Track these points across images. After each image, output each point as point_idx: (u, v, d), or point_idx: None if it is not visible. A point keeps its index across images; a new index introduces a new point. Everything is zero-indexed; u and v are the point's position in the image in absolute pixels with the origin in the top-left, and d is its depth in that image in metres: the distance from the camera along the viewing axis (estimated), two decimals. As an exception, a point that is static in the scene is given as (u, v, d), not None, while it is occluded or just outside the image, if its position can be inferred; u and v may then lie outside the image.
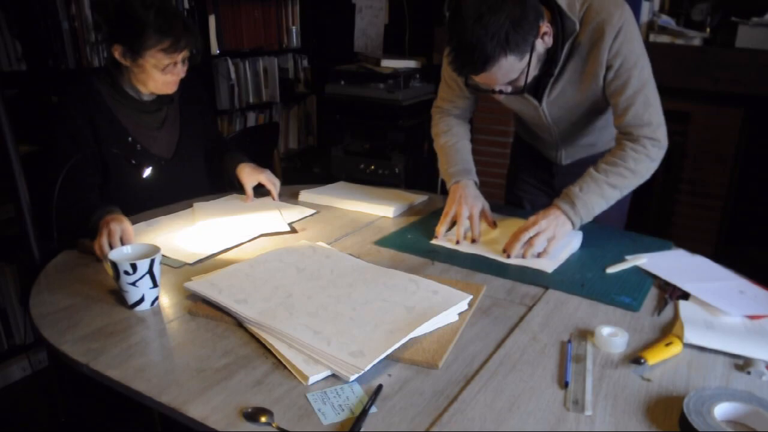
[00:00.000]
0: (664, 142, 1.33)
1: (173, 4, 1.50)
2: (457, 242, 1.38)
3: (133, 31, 1.40)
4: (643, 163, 1.31)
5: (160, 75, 1.47)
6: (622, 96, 1.30)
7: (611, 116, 1.40)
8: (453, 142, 1.55)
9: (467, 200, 1.41)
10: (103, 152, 1.51)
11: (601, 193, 1.30)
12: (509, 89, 1.27)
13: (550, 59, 1.32)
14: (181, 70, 1.50)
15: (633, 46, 1.27)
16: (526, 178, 1.75)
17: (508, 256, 1.29)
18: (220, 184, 1.75)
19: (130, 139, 1.55)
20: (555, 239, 1.28)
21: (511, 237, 1.30)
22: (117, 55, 1.45)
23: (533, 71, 1.25)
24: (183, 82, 1.57)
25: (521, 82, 1.24)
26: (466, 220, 1.39)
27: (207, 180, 1.76)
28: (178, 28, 1.43)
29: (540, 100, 1.41)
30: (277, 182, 1.65)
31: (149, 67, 1.45)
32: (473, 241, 1.38)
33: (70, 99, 1.50)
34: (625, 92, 1.29)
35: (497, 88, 1.26)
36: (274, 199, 1.63)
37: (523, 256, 1.28)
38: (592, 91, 1.35)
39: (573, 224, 1.30)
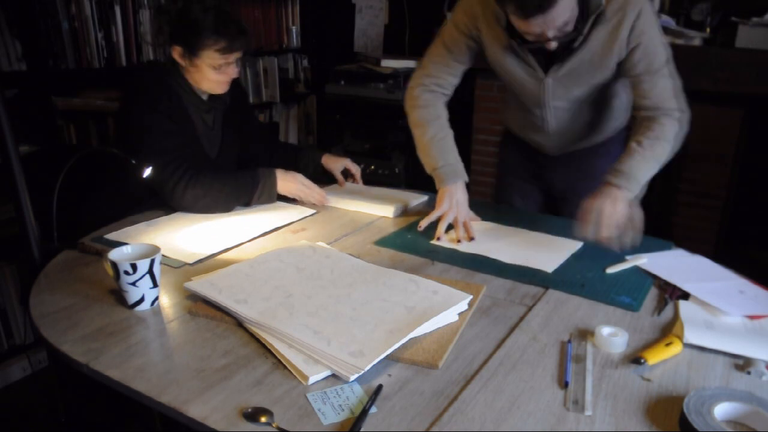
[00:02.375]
0: (688, 112, 1.37)
1: (229, 9, 1.54)
2: (458, 241, 1.38)
3: (192, 32, 1.47)
4: (678, 134, 1.36)
5: (214, 74, 1.53)
6: (649, 74, 1.33)
7: (604, 114, 1.44)
8: (443, 135, 1.52)
9: (463, 206, 1.45)
10: (99, 152, 1.52)
11: (648, 167, 1.33)
12: (560, 34, 1.27)
13: (571, 33, 1.32)
14: (233, 71, 1.56)
15: (653, 25, 1.32)
16: (515, 171, 1.75)
17: (593, 238, 1.28)
18: None
19: (197, 136, 1.61)
20: (617, 214, 1.26)
21: (581, 222, 1.29)
22: (176, 55, 1.52)
23: (575, 16, 1.27)
24: (229, 91, 1.62)
25: (570, 26, 1.27)
26: (461, 224, 1.42)
27: None
28: (234, 31, 1.50)
29: (547, 73, 1.42)
30: (358, 168, 1.83)
31: (204, 66, 1.52)
32: (472, 239, 1.39)
33: (153, 94, 1.52)
34: (651, 70, 1.33)
35: (551, 34, 1.26)
36: (357, 182, 1.82)
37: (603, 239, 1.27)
38: (603, 73, 1.38)
39: (628, 197, 1.29)
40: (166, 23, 1.53)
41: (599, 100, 1.50)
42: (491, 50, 1.46)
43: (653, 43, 1.32)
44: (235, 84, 1.66)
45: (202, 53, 1.49)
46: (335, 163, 1.81)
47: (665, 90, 1.34)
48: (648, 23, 1.31)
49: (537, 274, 1.23)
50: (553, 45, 1.29)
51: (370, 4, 3.56)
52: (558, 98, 1.47)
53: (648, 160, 1.32)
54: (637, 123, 1.39)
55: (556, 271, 1.24)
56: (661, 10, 2.68)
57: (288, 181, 1.59)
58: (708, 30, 2.55)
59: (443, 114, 1.55)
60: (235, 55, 1.53)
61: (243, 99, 1.82)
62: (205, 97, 1.62)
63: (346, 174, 1.83)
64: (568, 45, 1.34)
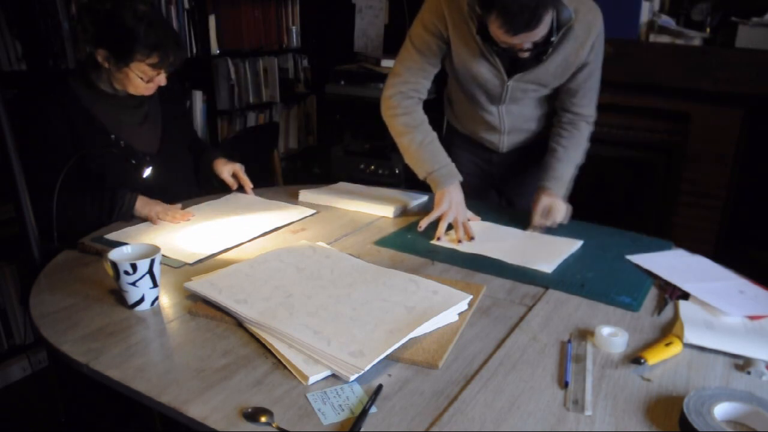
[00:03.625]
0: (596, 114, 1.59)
1: (164, 18, 1.49)
2: (459, 241, 1.39)
3: (122, 41, 1.41)
4: (589, 138, 1.58)
5: (142, 83, 1.49)
6: (587, 83, 1.51)
7: (546, 108, 1.60)
8: (431, 138, 1.54)
9: (461, 206, 1.48)
10: (88, 154, 1.49)
11: (572, 170, 1.56)
12: (531, 46, 1.34)
13: (541, 44, 1.37)
14: (162, 80, 1.52)
15: (602, 45, 1.49)
16: (465, 168, 1.67)
17: (536, 228, 1.48)
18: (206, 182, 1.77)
19: (112, 136, 1.55)
20: (562, 210, 1.49)
21: (533, 219, 1.48)
22: (100, 58, 1.45)
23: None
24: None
25: (543, 38, 1.33)
26: (460, 224, 1.43)
27: (195, 176, 1.77)
28: (169, 45, 1.44)
29: (510, 77, 1.49)
30: (246, 180, 1.70)
31: (132, 76, 1.46)
32: (471, 238, 1.40)
33: (46, 103, 1.48)
34: (590, 81, 1.51)
35: (527, 46, 1.33)
36: (248, 191, 1.69)
37: (549, 226, 1.48)
38: (561, 80, 1.50)
39: (563, 193, 1.53)
40: (91, 24, 1.43)
41: (547, 98, 1.60)
42: (457, 50, 1.48)
43: (598, 65, 1.50)
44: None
45: (132, 64, 1.43)
46: (224, 166, 1.69)
47: (591, 100, 1.55)
48: (601, 45, 1.47)
49: (536, 274, 1.23)
50: (526, 55, 1.36)
51: (370, 4, 3.56)
52: (515, 98, 1.55)
53: (572, 162, 1.55)
54: (559, 123, 1.58)
55: (556, 271, 1.24)
56: (661, 10, 2.68)
57: (144, 207, 1.47)
58: (708, 30, 2.55)
59: (425, 118, 1.57)
60: (169, 69, 1.49)
61: (177, 88, 1.75)
62: (123, 93, 1.55)
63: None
64: (537, 56, 1.40)
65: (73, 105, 1.51)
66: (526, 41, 1.30)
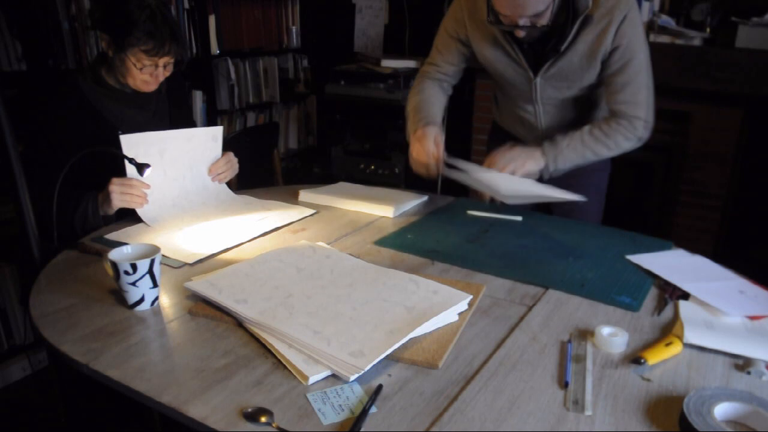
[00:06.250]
0: (651, 122, 1.42)
1: (169, 12, 1.51)
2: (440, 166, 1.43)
3: (122, 25, 1.43)
4: (631, 142, 1.42)
5: (138, 73, 1.50)
6: (623, 74, 1.37)
7: (593, 111, 1.49)
8: (420, 98, 1.57)
9: (429, 135, 1.46)
10: (89, 152, 1.49)
11: (583, 155, 1.42)
12: (530, 24, 1.30)
13: (558, 34, 1.36)
14: (160, 74, 1.52)
15: (637, 30, 1.36)
16: None
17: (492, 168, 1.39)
18: None
19: (120, 132, 1.55)
20: (524, 167, 1.39)
21: (490, 157, 1.42)
22: (104, 44, 1.49)
23: (553, 13, 1.30)
24: (170, 80, 1.59)
25: (544, 20, 1.29)
26: (433, 146, 1.44)
27: None
28: (165, 34, 1.46)
29: (536, 74, 1.45)
30: (234, 165, 1.65)
31: (129, 63, 1.48)
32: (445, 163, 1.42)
33: (54, 99, 1.50)
34: (626, 71, 1.36)
35: (521, 22, 1.29)
36: (220, 181, 1.63)
37: (500, 170, 1.38)
38: (590, 73, 1.41)
39: (545, 167, 1.41)
40: (99, 8, 1.48)
41: (588, 98, 1.53)
42: (482, 51, 1.50)
43: (632, 48, 1.36)
44: (176, 76, 1.61)
45: (127, 49, 1.45)
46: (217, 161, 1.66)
47: (635, 94, 1.38)
48: (632, 28, 1.35)
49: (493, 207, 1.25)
50: (522, 33, 1.32)
51: (370, 4, 3.56)
52: (548, 96, 1.51)
53: (586, 149, 1.41)
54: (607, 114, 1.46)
55: (556, 271, 1.24)
56: (661, 10, 2.69)
57: (111, 199, 1.41)
58: (708, 30, 2.55)
59: (435, 94, 1.60)
60: (164, 60, 1.50)
61: (184, 90, 1.76)
62: (130, 90, 1.57)
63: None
64: (555, 47, 1.38)
65: (81, 102, 1.52)
66: (516, 14, 1.27)
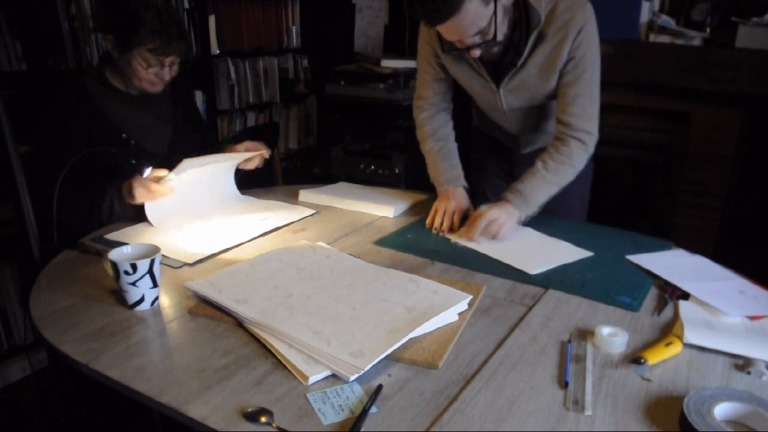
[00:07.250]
0: (596, 135, 1.44)
1: (175, 11, 1.50)
2: (439, 231, 1.44)
3: (127, 24, 1.43)
4: (583, 159, 1.43)
5: (143, 73, 1.49)
6: (575, 86, 1.38)
7: None
8: (439, 147, 1.60)
9: (455, 201, 1.49)
10: (98, 152, 1.50)
11: (548, 191, 1.42)
12: (480, 42, 1.30)
13: (515, 49, 1.39)
14: (166, 74, 1.52)
15: (593, 42, 1.37)
16: (487, 168, 1.79)
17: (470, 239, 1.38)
18: None
19: (124, 135, 1.55)
20: (505, 227, 1.38)
21: (468, 224, 1.41)
22: (109, 45, 1.48)
23: (502, 25, 1.30)
24: (174, 82, 1.58)
25: (491, 35, 1.29)
26: (450, 213, 1.46)
27: None
28: (172, 33, 1.45)
29: (498, 86, 1.47)
30: (257, 147, 1.66)
31: (135, 63, 1.47)
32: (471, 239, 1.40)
33: (60, 100, 1.50)
34: (579, 82, 1.38)
35: (469, 42, 1.29)
36: (259, 158, 1.64)
37: (473, 239, 1.38)
38: (550, 85, 1.43)
39: (520, 217, 1.41)
40: (104, 8, 1.48)
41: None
42: (451, 66, 1.54)
43: (586, 61, 1.37)
44: (181, 77, 1.60)
45: (133, 49, 1.44)
46: (236, 146, 1.67)
47: (585, 108, 1.40)
48: (587, 41, 1.35)
49: (519, 274, 1.22)
50: (477, 53, 1.33)
51: (370, 4, 3.56)
52: (515, 105, 1.53)
53: (549, 183, 1.41)
54: (554, 137, 1.45)
55: (556, 271, 1.24)
56: (661, 10, 2.69)
57: (133, 192, 1.40)
58: (708, 30, 2.55)
59: (438, 127, 1.62)
60: (170, 59, 1.49)
61: (189, 90, 1.75)
62: (135, 92, 1.56)
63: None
64: (513, 60, 1.40)
65: (86, 103, 1.52)
66: (458, 37, 1.28)
